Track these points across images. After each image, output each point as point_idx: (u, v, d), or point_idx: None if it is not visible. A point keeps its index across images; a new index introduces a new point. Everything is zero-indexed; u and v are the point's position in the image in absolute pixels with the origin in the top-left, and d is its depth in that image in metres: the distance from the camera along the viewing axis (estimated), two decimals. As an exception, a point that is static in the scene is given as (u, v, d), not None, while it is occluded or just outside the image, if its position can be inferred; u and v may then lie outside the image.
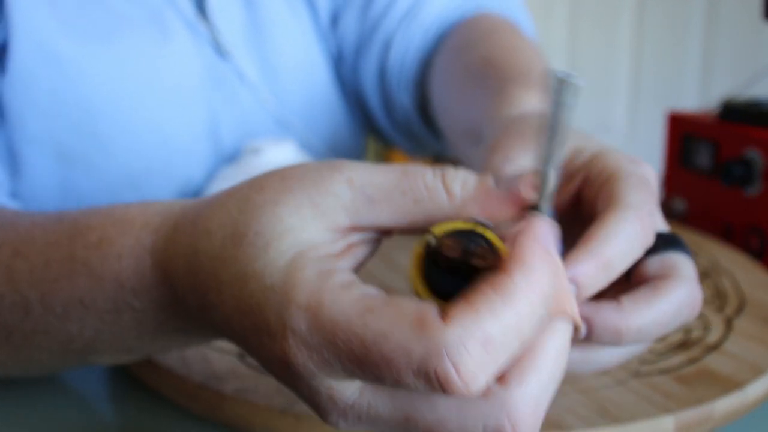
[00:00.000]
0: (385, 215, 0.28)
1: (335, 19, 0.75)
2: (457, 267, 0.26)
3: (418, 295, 0.26)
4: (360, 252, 0.29)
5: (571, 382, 0.39)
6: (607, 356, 0.33)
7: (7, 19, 0.53)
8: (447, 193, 0.28)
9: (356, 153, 0.80)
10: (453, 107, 0.59)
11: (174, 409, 0.40)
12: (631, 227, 0.30)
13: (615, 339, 0.30)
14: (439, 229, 0.27)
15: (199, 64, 0.65)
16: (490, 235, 0.26)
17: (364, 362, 0.24)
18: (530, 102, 0.46)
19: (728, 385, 0.39)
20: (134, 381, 0.42)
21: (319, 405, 0.26)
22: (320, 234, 0.27)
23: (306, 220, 0.27)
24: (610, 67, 1.95)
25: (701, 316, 0.47)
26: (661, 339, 0.44)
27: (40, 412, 0.40)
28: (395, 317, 0.24)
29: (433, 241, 0.26)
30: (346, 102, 0.77)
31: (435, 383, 0.23)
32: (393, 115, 0.75)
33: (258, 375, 0.39)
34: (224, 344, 0.43)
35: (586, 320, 0.30)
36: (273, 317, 0.25)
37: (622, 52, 1.94)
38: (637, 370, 0.41)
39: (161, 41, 0.62)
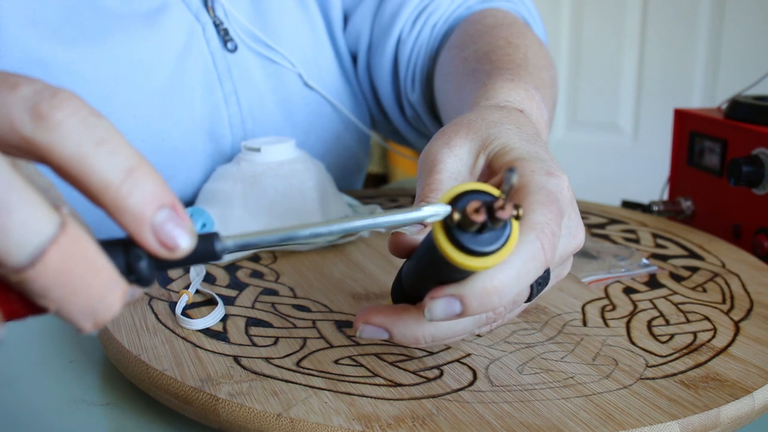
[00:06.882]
0: None
1: (347, 17, 0.75)
2: (483, 225, 0.28)
3: (450, 258, 0.29)
4: None
5: (572, 385, 0.38)
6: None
7: None
8: None
9: (359, 153, 0.79)
10: (451, 100, 0.59)
11: (168, 413, 0.39)
12: (530, 248, 0.32)
13: (488, 305, 0.32)
14: (447, 197, 0.29)
15: (202, 59, 0.64)
16: (486, 187, 0.30)
17: None
18: (508, 95, 0.47)
19: (736, 390, 0.38)
20: (127, 385, 0.42)
21: None
22: None
23: None
24: (616, 67, 1.94)
25: (708, 319, 0.46)
26: (667, 342, 0.43)
27: (32, 415, 0.39)
28: None
29: (455, 213, 0.29)
30: (354, 101, 0.76)
31: None
32: (405, 113, 0.75)
33: (253, 378, 0.38)
34: (219, 345, 0.42)
35: (460, 297, 0.31)
36: None
37: (629, 51, 1.93)
38: (642, 373, 0.40)
39: (159, 38, 0.61)
